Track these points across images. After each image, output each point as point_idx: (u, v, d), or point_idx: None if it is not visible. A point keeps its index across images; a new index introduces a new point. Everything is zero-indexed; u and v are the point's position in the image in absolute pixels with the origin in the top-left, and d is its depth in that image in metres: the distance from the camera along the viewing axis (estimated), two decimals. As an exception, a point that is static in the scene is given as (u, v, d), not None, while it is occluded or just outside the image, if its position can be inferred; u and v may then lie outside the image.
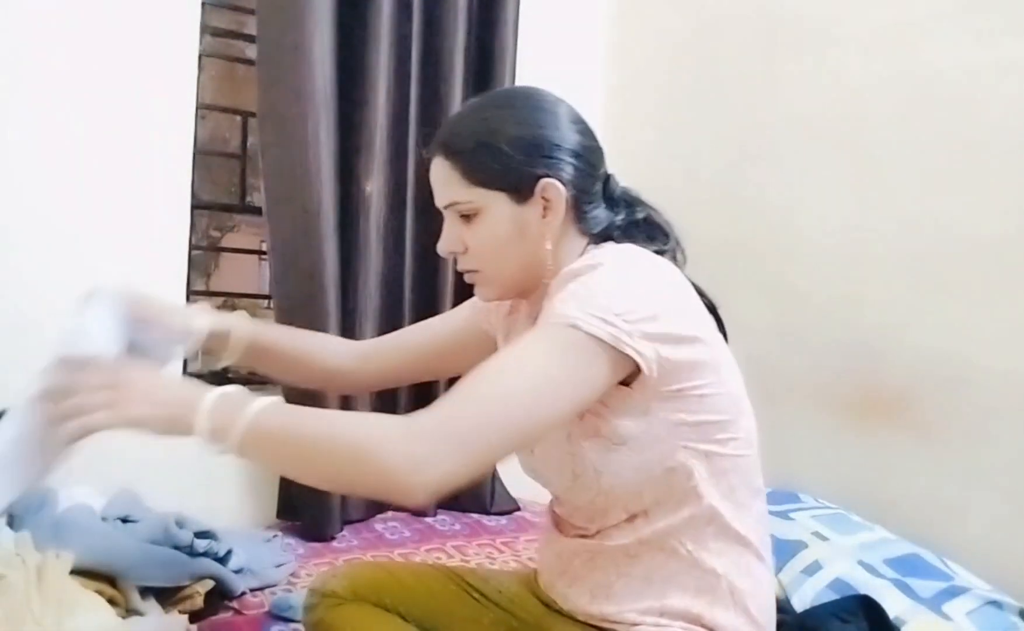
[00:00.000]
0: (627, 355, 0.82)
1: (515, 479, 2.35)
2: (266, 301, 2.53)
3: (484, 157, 0.94)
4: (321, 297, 2.01)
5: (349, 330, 2.10)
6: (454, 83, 2.22)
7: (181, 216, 2.08)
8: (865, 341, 1.85)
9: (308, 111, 1.97)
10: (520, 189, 0.94)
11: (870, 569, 1.48)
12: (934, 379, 1.71)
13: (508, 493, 2.37)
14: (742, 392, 0.96)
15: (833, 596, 1.43)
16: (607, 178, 1.01)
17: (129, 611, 1.41)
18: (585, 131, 0.99)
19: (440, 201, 0.99)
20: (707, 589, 0.92)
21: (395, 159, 2.16)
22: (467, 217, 0.96)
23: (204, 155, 2.27)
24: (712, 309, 0.97)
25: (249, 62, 2.30)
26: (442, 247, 1.01)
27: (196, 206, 2.16)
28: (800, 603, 1.44)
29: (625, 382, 0.87)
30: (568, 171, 0.95)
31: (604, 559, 0.96)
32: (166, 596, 1.48)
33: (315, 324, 1.99)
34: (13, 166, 1.86)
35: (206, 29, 2.14)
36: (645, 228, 1.00)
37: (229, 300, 2.59)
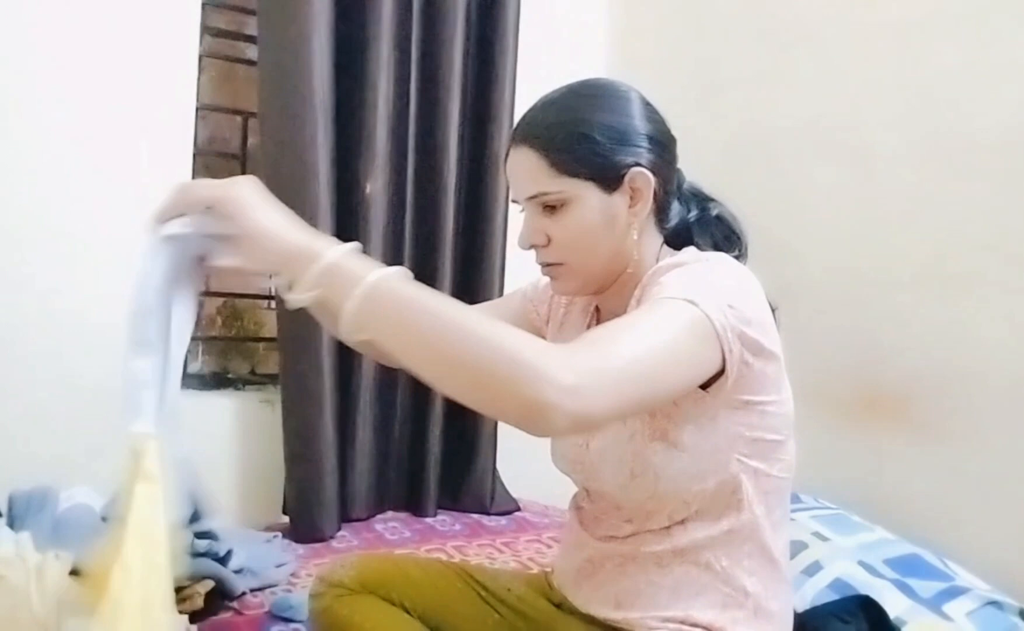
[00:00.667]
0: (722, 350, 0.81)
1: (515, 479, 2.35)
2: (266, 301, 2.53)
3: (576, 146, 0.92)
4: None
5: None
6: (454, 83, 2.22)
7: (181, 216, 2.08)
8: (865, 341, 1.85)
9: (307, 111, 1.97)
10: (610, 179, 0.93)
11: (870, 569, 1.48)
12: (934, 379, 1.71)
13: (508, 493, 2.37)
14: (793, 415, 0.95)
15: (833, 596, 1.43)
16: (678, 171, 1.01)
17: (129, 611, 1.41)
18: (661, 120, 0.99)
19: (523, 193, 0.96)
20: (734, 605, 0.91)
21: (395, 160, 2.16)
22: (552, 208, 0.94)
23: (204, 155, 2.27)
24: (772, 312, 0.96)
25: (249, 63, 2.30)
26: (523, 240, 0.98)
27: (196, 206, 2.16)
28: (800, 603, 1.44)
29: (703, 385, 0.85)
30: (653, 160, 0.94)
31: (635, 566, 0.95)
32: (166, 596, 1.48)
33: (313, 324, 1.98)
34: (14, 166, 1.86)
35: (206, 30, 2.15)
36: (719, 227, 1.01)
37: (229, 301, 2.59)
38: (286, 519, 2.07)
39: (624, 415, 0.79)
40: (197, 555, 1.58)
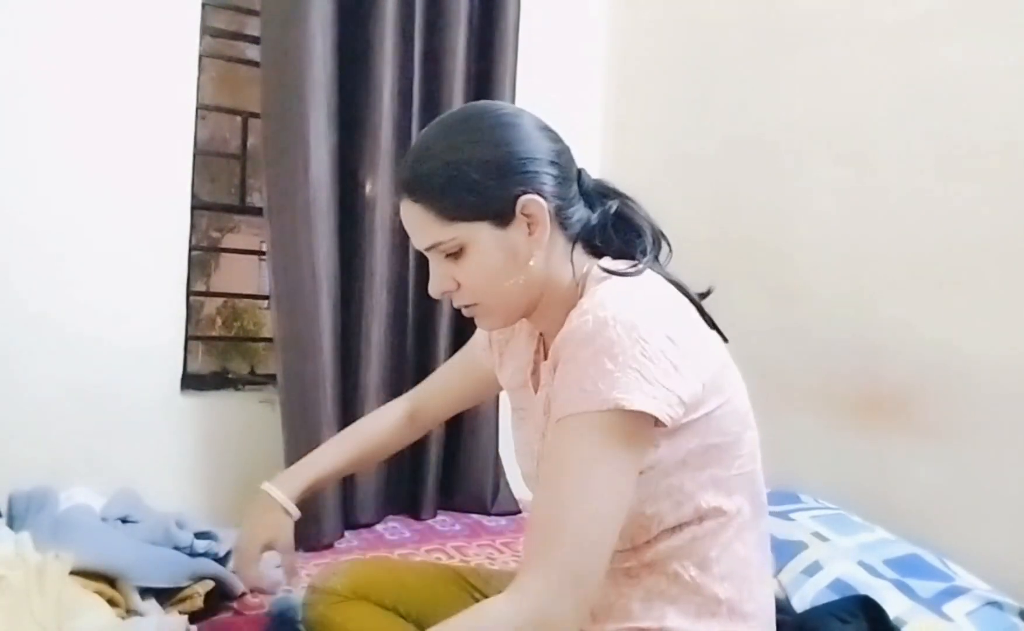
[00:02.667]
0: (661, 421, 0.82)
1: (518, 480, 2.35)
2: (266, 301, 2.53)
3: (457, 190, 0.90)
4: (319, 298, 2.00)
5: (354, 330, 2.10)
6: (456, 81, 2.22)
7: (181, 216, 2.08)
8: (865, 341, 1.85)
9: (309, 110, 1.97)
10: (501, 213, 0.90)
11: (870, 569, 1.48)
12: (934, 379, 1.71)
13: (512, 494, 2.36)
14: (747, 404, 0.94)
15: (833, 596, 1.42)
16: (579, 175, 0.98)
17: (129, 611, 1.41)
18: (552, 136, 0.96)
19: (420, 244, 0.95)
20: (707, 614, 0.90)
21: (400, 159, 2.16)
22: (453, 254, 0.93)
23: (204, 155, 2.27)
24: (699, 306, 0.94)
25: (249, 63, 2.30)
26: (434, 289, 0.97)
27: (196, 206, 2.16)
28: (800, 603, 1.44)
29: None
30: (544, 181, 0.92)
31: (605, 579, 0.91)
32: (166, 596, 1.48)
33: (312, 325, 1.98)
34: (14, 166, 1.86)
35: (206, 30, 2.15)
36: (621, 227, 0.97)
37: (229, 301, 2.60)
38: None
39: (602, 576, 0.81)
40: (197, 555, 1.59)
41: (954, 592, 1.43)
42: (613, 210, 0.97)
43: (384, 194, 2.12)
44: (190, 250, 2.14)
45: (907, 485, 1.75)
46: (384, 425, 1.27)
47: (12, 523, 1.58)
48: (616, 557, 0.91)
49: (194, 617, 1.48)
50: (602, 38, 2.66)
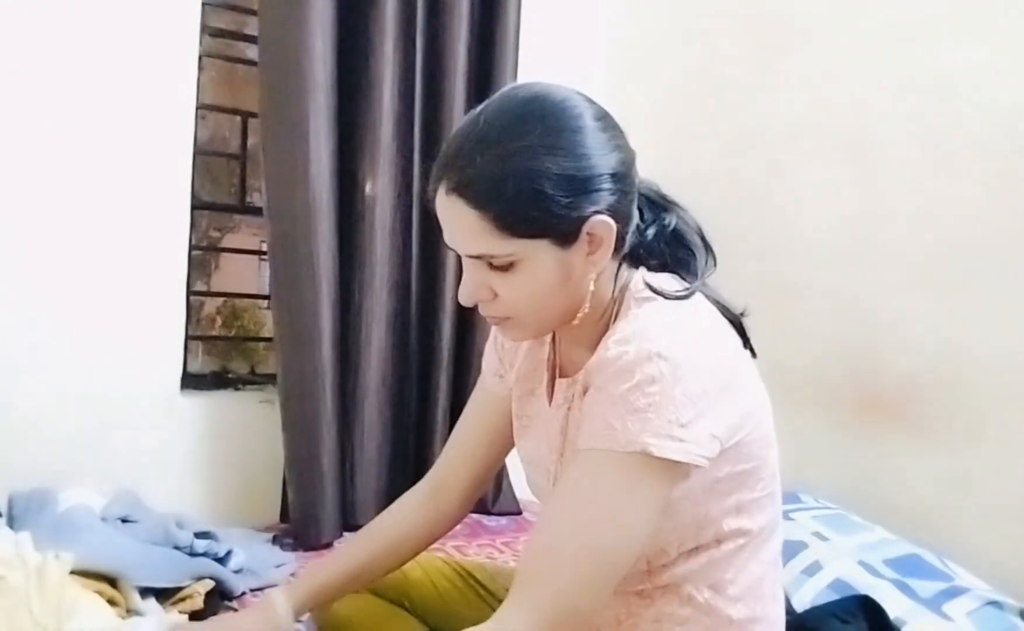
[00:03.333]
0: (691, 466, 0.78)
1: (520, 480, 2.35)
2: (266, 301, 2.53)
3: (526, 204, 0.78)
4: (319, 297, 2.00)
5: (354, 330, 2.10)
6: (458, 79, 2.22)
7: (181, 216, 2.08)
8: (866, 341, 1.85)
9: (309, 111, 1.96)
10: (567, 233, 0.81)
11: (870, 569, 1.48)
12: (935, 379, 1.71)
13: (514, 495, 2.36)
14: (771, 423, 0.90)
15: (833, 596, 1.42)
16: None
17: (129, 611, 1.41)
18: (619, 141, 0.86)
19: (464, 250, 0.84)
20: None
21: (400, 159, 2.16)
22: (501, 267, 0.82)
23: (204, 155, 2.27)
24: (738, 326, 0.91)
25: (249, 63, 2.30)
26: (466, 297, 0.86)
27: (196, 206, 2.16)
28: (800, 603, 1.44)
29: None
30: (612, 200, 0.82)
31: (616, 599, 0.90)
32: (166, 596, 1.48)
33: (312, 324, 1.98)
34: (13, 166, 1.86)
35: (206, 30, 2.15)
36: (673, 245, 0.91)
37: (229, 301, 2.59)
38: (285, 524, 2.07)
39: (598, 611, 0.79)
40: (197, 555, 1.59)
41: (954, 592, 1.43)
42: (672, 227, 0.91)
43: (384, 194, 2.12)
44: (190, 250, 2.13)
45: (907, 485, 1.75)
46: (400, 512, 1.13)
47: (12, 523, 1.58)
48: (631, 579, 0.88)
49: (194, 617, 1.48)
50: (603, 38, 2.66)
